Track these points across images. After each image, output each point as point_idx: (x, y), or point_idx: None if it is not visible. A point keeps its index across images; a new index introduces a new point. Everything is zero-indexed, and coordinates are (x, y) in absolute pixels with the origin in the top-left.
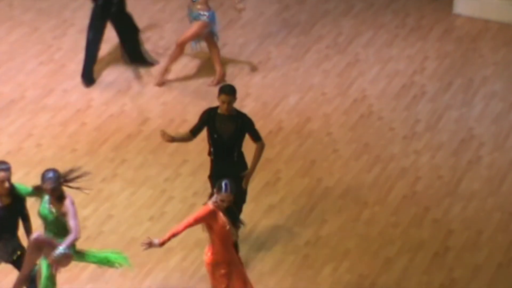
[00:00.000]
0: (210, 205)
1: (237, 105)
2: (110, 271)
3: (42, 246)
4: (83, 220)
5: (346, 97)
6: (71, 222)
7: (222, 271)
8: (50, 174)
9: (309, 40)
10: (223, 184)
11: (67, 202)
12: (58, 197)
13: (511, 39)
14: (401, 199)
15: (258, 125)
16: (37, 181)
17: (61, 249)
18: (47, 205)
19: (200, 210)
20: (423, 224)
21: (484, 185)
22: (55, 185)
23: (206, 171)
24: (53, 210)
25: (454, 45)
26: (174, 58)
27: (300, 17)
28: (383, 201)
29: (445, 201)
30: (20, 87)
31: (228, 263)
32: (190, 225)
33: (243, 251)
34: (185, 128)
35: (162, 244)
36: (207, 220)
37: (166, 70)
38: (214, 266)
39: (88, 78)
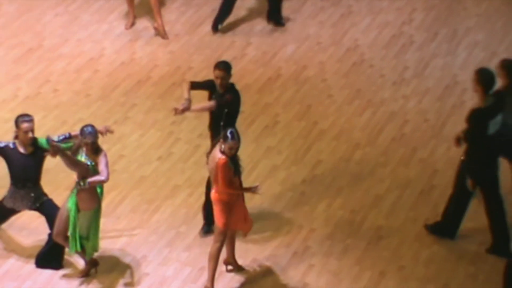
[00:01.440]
0: (222, 157)
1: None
2: (121, 206)
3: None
4: None
5: (340, 46)
6: (102, 167)
7: (224, 207)
8: (90, 129)
9: None
10: (228, 133)
11: (102, 154)
12: (96, 150)
13: None
14: (390, 140)
15: (258, 73)
16: (54, 123)
17: (87, 183)
18: (83, 157)
19: (221, 168)
20: (410, 164)
21: None
22: (94, 139)
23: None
24: (90, 161)
25: None
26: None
27: None
28: (374, 143)
29: (431, 143)
30: (37, 36)
31: (229, 201)
32: (228, 185)
33: None
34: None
35: None
36: (229, 170)
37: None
38: (218, 203)
39: (216, 27)
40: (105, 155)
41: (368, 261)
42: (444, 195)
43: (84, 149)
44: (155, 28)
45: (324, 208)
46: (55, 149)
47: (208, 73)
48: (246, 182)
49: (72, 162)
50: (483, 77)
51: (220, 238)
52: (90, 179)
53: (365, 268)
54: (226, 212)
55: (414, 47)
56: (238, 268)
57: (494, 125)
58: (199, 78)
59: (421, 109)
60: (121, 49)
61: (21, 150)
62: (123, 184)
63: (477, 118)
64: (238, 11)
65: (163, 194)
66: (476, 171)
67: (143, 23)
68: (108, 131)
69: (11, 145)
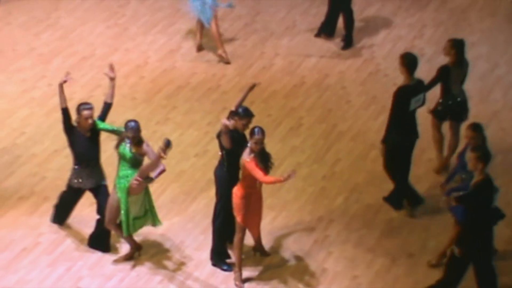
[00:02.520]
0: (248, 159)
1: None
2: (162, 197)
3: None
4: None
5: (358, 57)
6: (151, 156)
7: (243, 203)
8: (132, 124)
9: None
10: (255, 129)
11: (145, 145)
12: (137, 142)
13: (494, 11)
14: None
15: (285, 80)
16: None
17: (154, 177)
18: (127, 146)
19: (250, 168)
20: (420, 163)
21: None
22: (135, 134)
23: None
24: (132, 150)
25: (447, 15)
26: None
27: None
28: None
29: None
30: (90, 46)
31: (248, 198)
32: (264, 178)
33: (268, 186)
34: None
35: None
36: (257, 166)
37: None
38: (237, 198)
39: (349, 42)
40: (147, 145)
41: (381, 249)
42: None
43: (128, 141)
44: (219, 55)
45: (342, 202)
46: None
47: (239, 80)
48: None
49: (154, 167)
50: (407, 61)
51: (240, 230)
52: (155, 175)
53: (378, 255)
54: (245, 208)
55: (425, 58)
56: (264, 254)
57: (415, 102)
58: (232, 84)
59: (421, 119)
60: (164, 58)
61: (82, 132)
62: (164, 178)
63: (401, 94)
64: (268, 25)
65: (199, 187)
66: (395, 140)
67: (183, 35)
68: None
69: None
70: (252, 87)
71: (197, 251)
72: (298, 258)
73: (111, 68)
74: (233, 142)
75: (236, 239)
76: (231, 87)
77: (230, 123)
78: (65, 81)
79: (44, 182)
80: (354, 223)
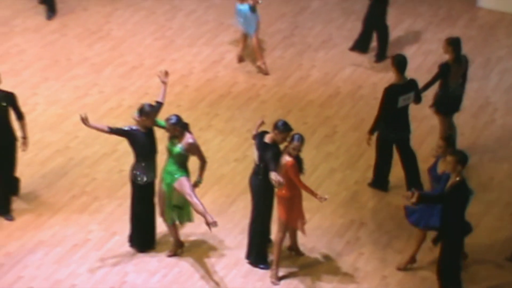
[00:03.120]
0: (289, 159)
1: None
2: (204, 199)
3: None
4: None
5: (390, 70)
6: (197, 154)
7: (287, 204)
8: (172, 118)
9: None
10: (295, 136)
11: (184, 142)
12: (176, 136)
13: None
14: (430, 150)
15: (320, 90)
16: None
17: (199, 178)
18: (173, 141)
19: (291, 168)
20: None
21: (496, 142)
22: (171, 127)
23: None
24: (178, 145)
25: (476, 31)
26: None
27: (355, 7)
28: (416, 151)
29: None
30: (139, 57)
31: (292, 199)
32: (300, 181)
33: None
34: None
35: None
36: (297, 169)
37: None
38: (281, 199)
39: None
40: (190, 143)
41: (409, 250)
42: (474, 199)
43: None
44: (259, 66)
45: (373, 205)
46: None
47: (278, 90)
48: (307, 182)
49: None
50: (397, 61)
51: (282, 229)
52: (201, 175)
53: (407, 256)
54: (288, 208)
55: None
56: (299, 253)
57: (403, 100)
58: (271, 93)
59: (458, 125)
60: (207, 68)
61: (142, 130)
62: (206, 181)
63: (389, 92)
64: (305, 39)
65: (239, 190)
66: (388, 137)
67: (225, 47)
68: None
69: (134, 128)
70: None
71: (236, 249)
72: (331, 258)
73: (166, 73)
74: (276, 159)
75: (277, 238)
76: (270, 97)
77: (269, 137)
78: (84, 119)
79: (94, 182)
80: (385, 226)
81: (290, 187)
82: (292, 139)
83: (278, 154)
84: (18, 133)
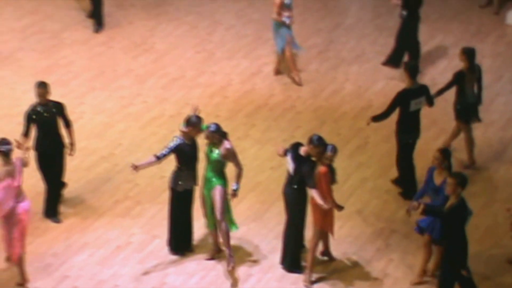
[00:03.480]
0: (323, 167)
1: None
2: (240, 205)
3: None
4: None
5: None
6: (236, 162)
7: (321, 210)
8: (212, 126)
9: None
10: (329, 147)
11: (222, 148)
12: (215, 143)
13: None
14: (459, 162)
15: (353, 103)
16: None
17: (235, 185)
18: (212, 148)
19: (322, 176)
20: (476, 181)
21: None
22: (210, 134)
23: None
24: (216, 152)
25: (505, 48)
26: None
27: (388, 23)
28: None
29: (494, 165)
30: (181, 69)
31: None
32: (329, 191)
33: (337, 196)
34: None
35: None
36: (329, 177)
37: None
38: (317, 206)
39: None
40: (227, 149)
41: (438, 257)
42: (504, 209)
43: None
44: (292, 77)
45: (403, 214)
46: None
47: (313, 102)
48: (340, 190)
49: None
50: (410, 67)
51: (317, 235)
52: (238, 183)
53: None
54: (323, 215)
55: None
56: (332, 259)
57: (415, 104)
58: (306, 105)
59: (487, 137)
60: (245, 80)
61: (187, 141)
62: (242, 188)
63: (402, 96)
64: (339, 54)
65: (274, 197)
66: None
67: (263, 60)
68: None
69: (180, 141)
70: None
71: (271, 254)
72: (362, 264)
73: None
74: (312, 175)
75: (312, 243)
76: (305, 108)
77: (304, 150)
78: (135, 167)
79: (137, 188)
80: (414, 234)
81: (323, 194)
82: (325, 149)
83: (313, 168)
84: (66, 140)
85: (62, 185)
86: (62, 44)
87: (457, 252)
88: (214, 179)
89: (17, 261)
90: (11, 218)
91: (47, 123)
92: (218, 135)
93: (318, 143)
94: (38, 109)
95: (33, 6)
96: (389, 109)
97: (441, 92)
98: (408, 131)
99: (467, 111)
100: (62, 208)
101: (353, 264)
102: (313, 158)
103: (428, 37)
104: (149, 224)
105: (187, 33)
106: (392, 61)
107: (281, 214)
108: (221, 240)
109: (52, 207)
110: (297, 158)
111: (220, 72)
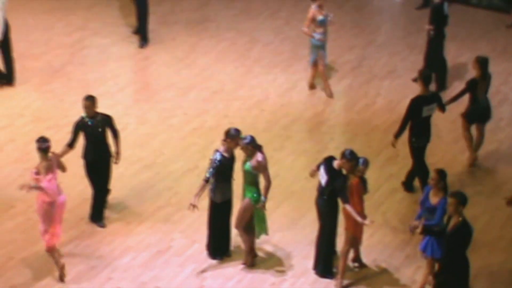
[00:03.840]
0: (355, 179)
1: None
2: (276, 213)
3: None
4: None
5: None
6: (263, 173)
7: (352, 217)
8: (247, 138)
9: None
10: (361, 160)
11: (253, 160)
12: (249, 155)
13: None
14: (487, 174)
15: (385, 117)
16: None
17: (263, 198)
18: (246, 159)
19: (355, 187)
20: (502, 193)
21: None
22: (244, 146)
23: (347, 147)
24: (248, 163)
25: None
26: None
27: (419, 41)
28: (473, 174)
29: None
30: (220, 83)
31: (360, 212)
32: (360, 201)
33: (368, 205)
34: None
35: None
36: (361, 188)
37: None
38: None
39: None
40: (259, 161)
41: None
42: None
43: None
44: (324, 90)
45: None
46: None
47: (345, 115)
48: (371, 200)
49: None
50: (424, 76)
51: (350, 242)
52: (266, 195)
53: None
54: (355, 222)
55: (508, 102)
56: (362, 265)
57: (427, 110)
58: (339, 118)
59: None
60: (282, 94)
61: (226, 154)
62: (278, 196)
63: (415, 102)
64: (371, 69)
65: (308, 205)
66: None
67: (299, 75)
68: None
69: (219, 157)
70: None
71: (304, 259)
72: (391, 271)
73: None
74: (345, 188)
75: (344, 250)
76: (338, 122)
77: (337, 163)
78: (193, 206)
79: (177, 195)
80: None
81: (357, 203)
82: (357, 163)
83: (346, 183)
84: (113, 149)
85: (108, 191)
86: (109, 59)
87: (459, 273)
88: (246, 190)
89: (50, 250)
90: (51, 209)
91: (95, 134)
92: (252, 147)
93: (351, 157)
94: (87, 120)
95: (82, 22)
96: (406, 117)
97: (455, 99)
98: (419, 135)
99: (480, 114)
100: (107, 213)
101: (383, 270)
102: (345, 172)
103: (457, 55)
104: (189, 229)
105: (227, 49)
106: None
107: (315, 222)
108: (256, 245)
109: (98, 212)
110: (330, 171)
111: (258, 86)
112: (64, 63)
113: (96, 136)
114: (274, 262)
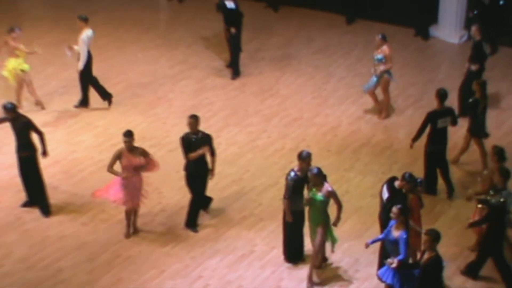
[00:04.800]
0: (414, 196)
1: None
2: (344, 226)
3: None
4: None
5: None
6: (335, 199)
7: (414, 233)
8: (315, 169)
9: None
10: (418, 180)
11: (325, 191)
12: (317, 184)
13: None
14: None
15: (412, 133)
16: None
17: (337, 221)
18: (314, 191)
19: (414, 203)
20: None
21: None
22: (313, 176)
23: (408, 169)
24: (319, 195)
25: None
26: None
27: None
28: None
29: None
30: (300, 111)
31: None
32: (418, 215)
33: (425, 219)
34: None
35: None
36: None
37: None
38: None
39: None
40: (328, 191)
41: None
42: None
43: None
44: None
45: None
46: None
47: (408, 142)
48: (429, 215)
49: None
50: (440, 94)
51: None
52: (339, 216)
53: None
54: (415, 236)
55: None
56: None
57: (441, 122)
58: (402, 145)
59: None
60: (352, 122)
61: (299, 173)
62: (347, 210)
63: (432, 116)
64: (431, 103)
65: (373, 219)
66: (432, 147)
67: (367, 106)
68: None
69: (295, 177)
70: None
71: (368, 266)
72: (445, 279)
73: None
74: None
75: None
76: (401, 147)
77: (398, 184)
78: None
79: (260, 207)
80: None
81: (418, 218)
82: (416, 184)
83: (405, 201)
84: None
85: (208, 199)
86: (205, 88)
87: None
88: (318, 217)
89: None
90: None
91: (196, 148)
92: (320, 178)
93: (410, 179)
94: (191, 136)
95: (183, 57)
96: (421, 127)
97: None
98: (434, 143)
99: (480, 129)
100: (200, 221)
101: None
102: (404, 191)
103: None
104: (269, 237)
105: (306, 82)
106: (463, 111)
107: (378, 234)
108: (327, 252)
109: (193, 219)
110: (391, 189)
111: (332, 115)
112: (167, 91)
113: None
114: (342, 268)
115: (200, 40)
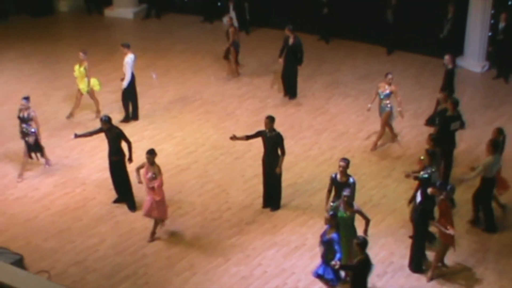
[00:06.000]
0: (444, 199)
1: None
2: (381, 225)
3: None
4: (369, 197)
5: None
6: (362, 216)
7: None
8: (345, 191)
9: None
10: (449, 187)
11: (355, 209)
12: (348, 206)
13: None
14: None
15: (464, 157)
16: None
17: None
18: (341, 209)
19: (444, 205)
20: None
21: None
22: (343, 198)
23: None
24: (347, 212)
25: None
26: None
27: (493, 102)
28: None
29: None
30: (346, 126)
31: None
32: (450, 215)
33: (456, 219)
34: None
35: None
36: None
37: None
38: (443, 226)
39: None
40: (356, 206)
41: None
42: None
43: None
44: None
45: (498, 235)
46: None
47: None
48: (458, 213)
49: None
50: (453, 100)
51: (441, 247)
52: (366, 232)
53: None
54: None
55: None
56: (444, 265)
57: (453, 125)
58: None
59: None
60: (390, 137)
61: (338, 178)
62: (384, 211)
63: (445, 119)
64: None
65: (406, 219)
66: (443, 146)
67: (402, 124)
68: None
69: (338, 179)
70: None
71: (401, 258)
72: (466, 269)
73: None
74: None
75: (436, 257)
76: None
77: (430, 190)
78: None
79: (311, 207)
80: (505, 250)
81: (449, 220)
82: (447, 190)
83: (435, 204)
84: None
85: (278, 196)
86: (266, 106)
87: None
88: (349, 229)
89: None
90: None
91: (270, 142)
92: (349, 201)
93: (440, 187)
94: (266, 132)
95: (248, 80)
96: (439, 129)
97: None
98: (446, 143)
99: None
100: (259, 217)
101: (460, 270)
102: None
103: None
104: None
105: (351, 103)
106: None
107: (411, 232)
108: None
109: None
110: (424, 195)
111: (373, 130)
112: (234, 108)
113: (271, 145)
114: (379, 260)
115: (263, 64)
